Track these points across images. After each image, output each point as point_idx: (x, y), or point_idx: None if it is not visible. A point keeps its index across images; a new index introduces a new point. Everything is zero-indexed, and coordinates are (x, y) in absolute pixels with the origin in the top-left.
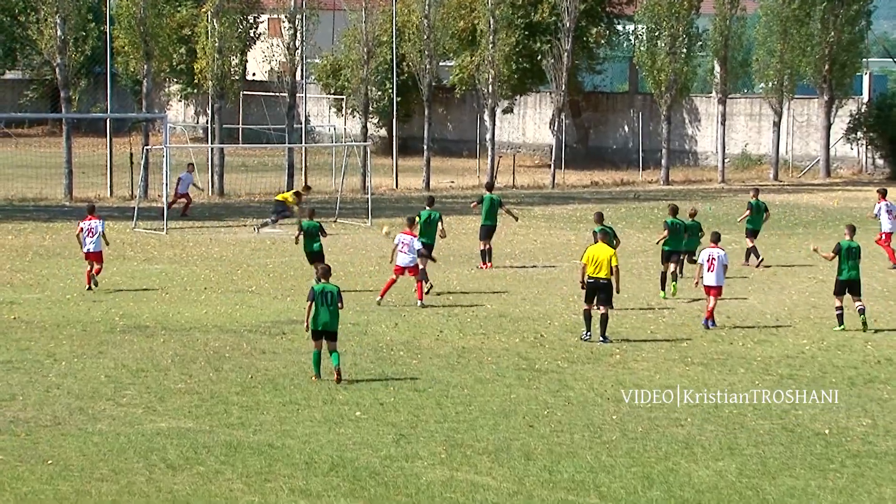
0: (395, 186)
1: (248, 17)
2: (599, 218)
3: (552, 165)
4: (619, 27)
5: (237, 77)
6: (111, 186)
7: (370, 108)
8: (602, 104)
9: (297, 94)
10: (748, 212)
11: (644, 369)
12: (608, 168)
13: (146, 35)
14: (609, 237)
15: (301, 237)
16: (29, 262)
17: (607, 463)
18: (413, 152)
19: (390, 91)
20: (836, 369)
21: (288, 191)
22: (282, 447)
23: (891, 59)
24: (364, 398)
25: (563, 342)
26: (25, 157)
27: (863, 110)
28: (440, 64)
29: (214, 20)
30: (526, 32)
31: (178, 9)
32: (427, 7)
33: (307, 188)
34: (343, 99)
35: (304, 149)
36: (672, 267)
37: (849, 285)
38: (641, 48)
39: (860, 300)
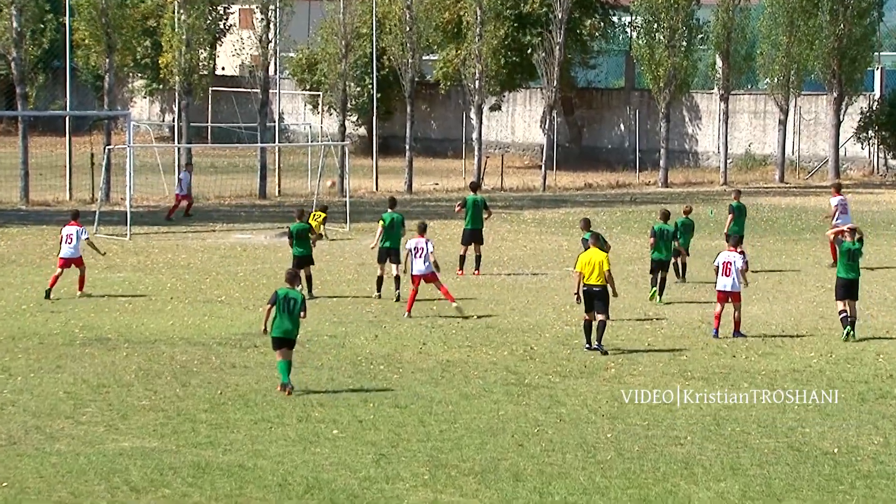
0: (374, 189)
1: (218, 8)
2: (586, 224)
3: (543, 166)
4: (615, 19)
5: (206, 72)
6: (70, 189)
7: (348, 104)
8: (596, 101)
9: (271, 90)
10: (731, 216)
11: (641, 384)
12: (602, 169)
13: (108, 27)
14: (601, 240)
15: (293, 241)
16: None
17: (602, 484)
18: (394, 152)
19: (370, 87)
20: (845, 384)
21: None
22: (253, 468)
23: None
24: (342, 415)
25: (554, 355)
26: None
27: (874, 107)
28: (423, 58)
29: (181, 10)
30: (515, 24)
31: None
32: None
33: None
34: (319, 95)
35: (277, 149)
36: (659, 276)
37: (849, 286)
38: (639, 41)
39: (854, 305)
